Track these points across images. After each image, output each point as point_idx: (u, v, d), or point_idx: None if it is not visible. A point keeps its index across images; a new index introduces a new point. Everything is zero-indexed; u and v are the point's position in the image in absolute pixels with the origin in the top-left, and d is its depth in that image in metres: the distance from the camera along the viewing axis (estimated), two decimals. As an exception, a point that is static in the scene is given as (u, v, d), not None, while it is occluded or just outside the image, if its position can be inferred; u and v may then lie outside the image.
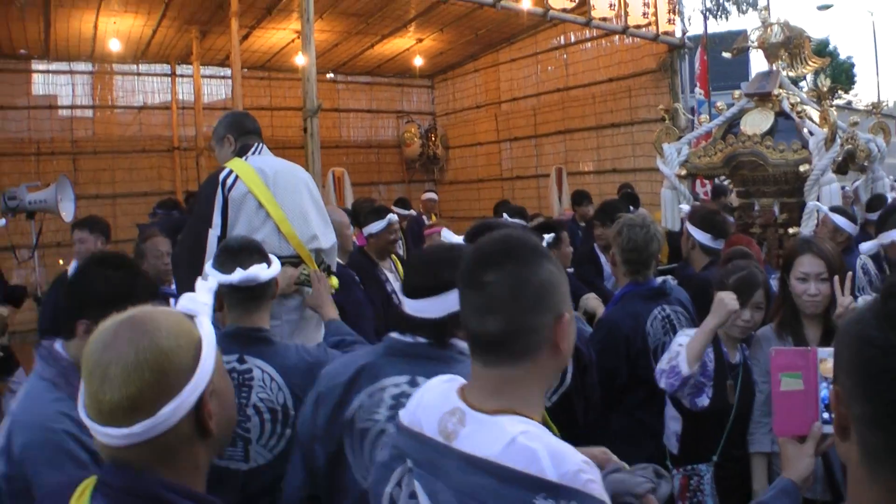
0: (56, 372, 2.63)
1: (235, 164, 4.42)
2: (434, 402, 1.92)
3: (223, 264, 3.32)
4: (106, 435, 1.57)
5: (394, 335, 2.66)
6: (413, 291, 2.64)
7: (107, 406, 1.56)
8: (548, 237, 5.15)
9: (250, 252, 3.39)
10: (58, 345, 2.72)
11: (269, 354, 3.23)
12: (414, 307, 2.61)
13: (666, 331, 4.34)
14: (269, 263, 3.40)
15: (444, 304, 2.53)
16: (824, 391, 2.28)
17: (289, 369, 3.19)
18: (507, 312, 1.80)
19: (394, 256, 6.70)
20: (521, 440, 1.73)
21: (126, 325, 1.64)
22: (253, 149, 4.59)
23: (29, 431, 2.49)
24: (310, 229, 4.43)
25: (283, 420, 3.14)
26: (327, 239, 4.56)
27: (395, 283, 6.37)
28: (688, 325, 4.37)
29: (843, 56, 43.33)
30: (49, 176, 11.62)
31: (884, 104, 7.98)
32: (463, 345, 2.52)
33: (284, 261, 4.01)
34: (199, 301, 1.84)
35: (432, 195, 13.68)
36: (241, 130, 4.73)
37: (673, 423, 4.09)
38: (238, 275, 3.25)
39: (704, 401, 3.85)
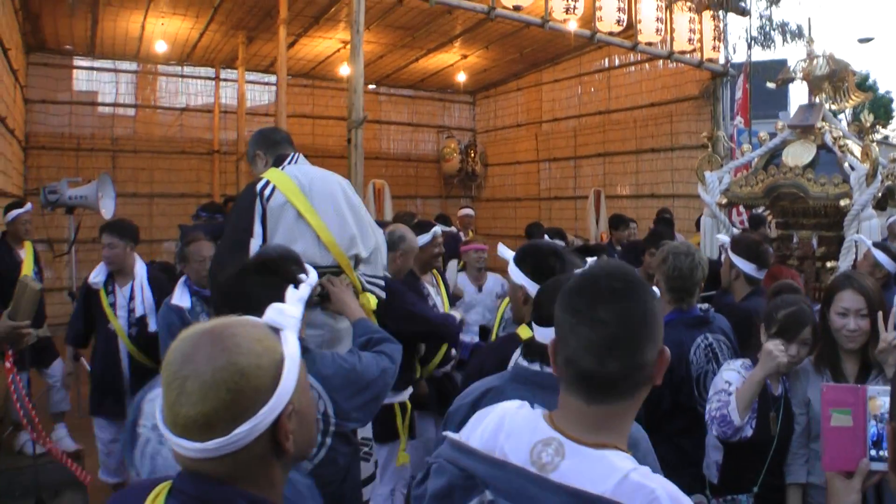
0: None
1: (272, 175, 4.41)
2: (521, 430, 1.82)
3: None
4: (179, 446, 1.56)
5: (522, 362, 2.78)
6: (544, 319, 2.67)
7: (182, 419, 1.54)
8: (591, 261, 5.17)
9: (287, 262, 3.36)
10: None
11: (307, 363, 3.21)
12: (543, 335, 2.67)
13: (709, 359, 4.35)
14: (307, 273, 3.32)
15: None
16: (872, 428, 2.32)
17: (327, 377, 3.20)
18: (628, 350, 1.74)
19: (434, 271, 6.68)
20: (635, 478, 1.67)
21: (206, 339, 1.60)
22: (289, 158, 4.59)
23: None
24: (348, 235, 4.40)
25: (324, 429, 3.16)
26: (367, 245, 4.51)
27: (436, 297, 6.36)
28: (730, 354, 4.39)
29: (881, 90, 42.86)
30: (87, 172, 11.82)
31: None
32: None
33: (325, 270, 4.07)
34: (287, 314, 1.76)
35: (469, 211, 13.70)
36: (269, 144, 4.77)
37: (714, 452, 4.10)
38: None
39: (748, 432, 3.85)
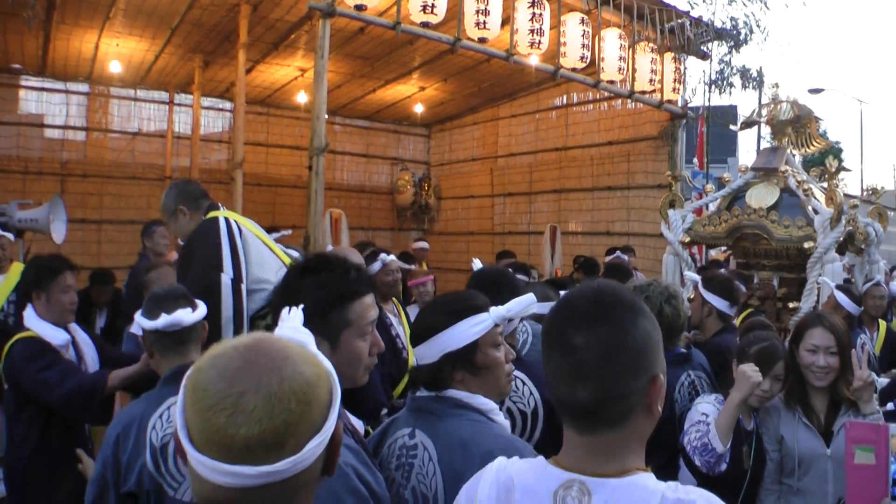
0: None
1: (222, 213, 4.65)
2: (535, 482, 1.72)
3: (150, 312, 3.42)
4: (234, 475, 1.35)
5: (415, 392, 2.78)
6: (415, 339, 2.72)
7: (241, 442, 1.35)
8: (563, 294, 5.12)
9: (175, 298, 3.51)
10: None
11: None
12: (417, 354, 2.71)
13: (691, 396, 4.38)
14: (194, 308, 3.52)
15: (436, 347, 2.62)
16: (894, 465, 2.29)
17: None
18: (598, 380, 1.64)
19: (395, 301, 6.62)
20: (672, 495, 1.60)
21: (255, 352, 1.45)
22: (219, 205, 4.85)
23: None
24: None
25: None
26: None
27: (398, 327, 6.33)
28: (710, 389, 4.45)
29: (832, 140, 43.90)
30: (35, 196, 11.49)
31: (881, 190, 8.00)
32: (459, 396, 2.62)
33: None
34: (301, 331, 1.70)
35: (424, 244, 13.63)
36: (191, 198, 4.91)
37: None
38: (163, 320, 3.37)
39: (722, 466, 3.88)
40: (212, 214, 4.69)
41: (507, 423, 2.72)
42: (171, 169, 14.11)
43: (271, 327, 4.06)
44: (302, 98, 13.84)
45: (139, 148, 14.17)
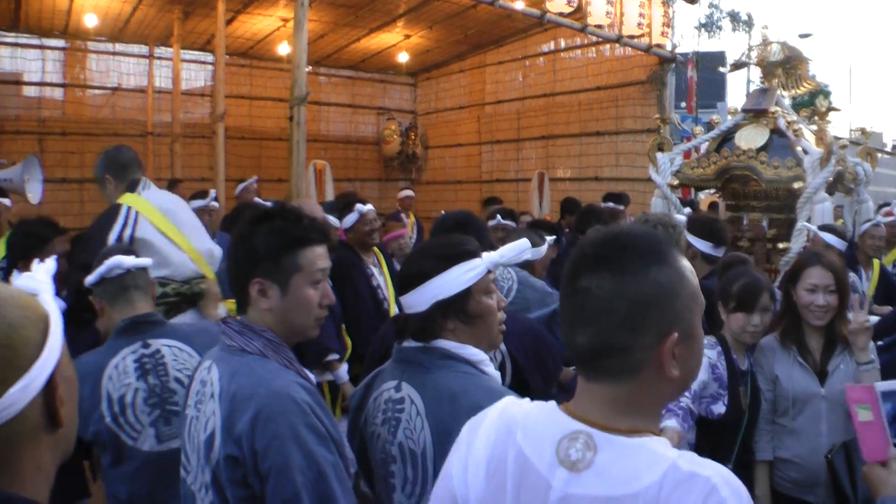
0: (262, 344, 2.41)
1: (132, 201, 4.72)
2: (542, 426, 1.64)
3: (93, 267, 3.55)
4: None
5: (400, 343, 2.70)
6: (402, 287, 2.64)
7: None
8: (550, 239, 5.07)
9: (116, 249, 3.69)
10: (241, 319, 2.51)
11: (170, 332, 3.50)
12: (405, 303, 2.62)
13: None
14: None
15: (427, 295, 2.54)
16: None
17: (193, 336, 3.52)
18: (593, 327, 1.55)
19: (377, 250, 6.54)
20: (685, 465, 1.48)
21: None
22: (141, 184, 4.88)
23: (264, 401, 2.23)
24: (206, 247, 4.94)
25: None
26: (214, 255, 5.00)
27: (379, 277, 6.29)
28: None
29: (821, 84, 43.97)
30: (13, 157, 11.19)
31: (870, 131, 7.96)
32: (448, 346, 2.55)
33: (194, 279, 4.73)
34: (38, 279, 1.54)
35: (410, 192, 13.54)
36: (118, 168, 4.99)
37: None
38: (102, 266, 3.47)
39: (721, 408, 3.88)
40: (123, 199, 4.72)
41: (497, 375, 2.65)
42: (152, 124, 13.81)
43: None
44: (285, 49, 13.60)
45: (119, 104, 13.81)
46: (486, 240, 3.61)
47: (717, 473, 1.48)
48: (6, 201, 7.59)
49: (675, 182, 7.51)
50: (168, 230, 4.72)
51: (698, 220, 5.58)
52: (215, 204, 7.80)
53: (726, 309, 4.05)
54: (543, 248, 5.32)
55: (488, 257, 2.64)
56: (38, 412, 1.37)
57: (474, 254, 2.61)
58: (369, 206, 6.37)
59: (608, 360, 1.56)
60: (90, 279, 3.50)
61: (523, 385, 3.63)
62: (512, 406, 1.76)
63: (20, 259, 4.76)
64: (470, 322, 2.57)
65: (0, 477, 1.34)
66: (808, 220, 6.63)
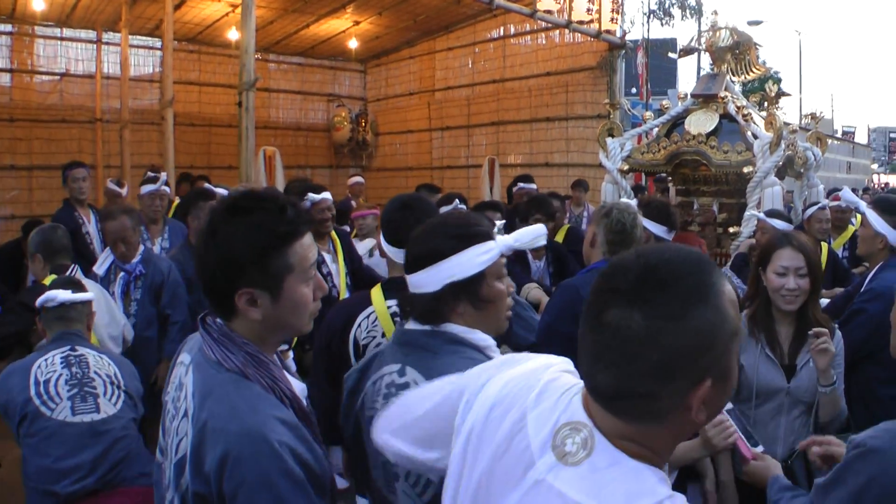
0: (241, 360, 2.09)
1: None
2: (556, 400, 1.53)
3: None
4: None
5: (403, 324, 2.61)
6: (411, 266, 2.52)
7: None
8: (500, 224, 5.05)
9: (62, 283, 4.65)
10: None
11: (94, 347, 4.56)
12: (413, 282, 2.50)
13: None
14: (77, 291, 4.46)
15: (440, 275, 2.41)
16: None
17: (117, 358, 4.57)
18: (617, 369, 1.39)
19: (333, 235, 6.44)
20: None
21: None
22: (70, 270, 5.28)
23: (235, 442, 1.95)
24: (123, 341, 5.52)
25: (117, 383, 4.20)
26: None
27: (331, 265, 6.24)
28: None
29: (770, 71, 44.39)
30: (-42, 143, 11.08)
31: (820, 115, 8.01)
32: (456, 330, 2.44)
33: None
34: None
35: (359, 179, 13.48)
36: (49, 252, 5.38)
37: None
38: (42, 297, 4.36)
39: None
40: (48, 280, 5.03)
41: None
42: (101, 111, 13.67)
43: None
44: (234, 35, 13.42)
45: (68, 90, 13.63)
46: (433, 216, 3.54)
47: None
48: None
49: (626, 167, 7.53)
50: None
51: (652, 203, 5.57)
52: (166, 189, 7.68)
53: None
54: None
55: (502, 241, 2.53)
56: None
57: (488, 235, 2.52)
58: (323, 195, 6.27)
59: (629, 402, 1.41)
60: (37, 302, 4.31)
61: None
62: (542, 368, 1.65)
63: None
64: (481, 306, 2.47)
65: None
66: (759, 205, 6.68)
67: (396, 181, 16.58)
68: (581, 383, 1.54)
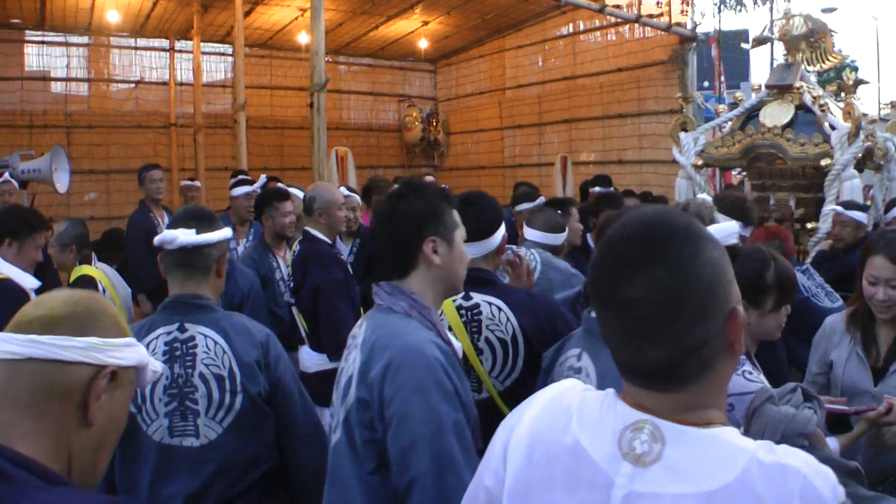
0: (408, 305, 2.56)
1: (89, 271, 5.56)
2: (601, 415, 1.46)
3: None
4: (8, 340, 1.54)
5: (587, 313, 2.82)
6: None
7: (29, 318, 1.58)
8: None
9: (187, 218, 3.25)
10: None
11: (211, 321, 3.12)
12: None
13: None
14: (204, 231, 3.18)
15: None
16: None
17: (233, 334, 3.12)
18: (670, 336, 1.36)
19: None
20: (767, 458, 1.33)
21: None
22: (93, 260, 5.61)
23: (397, 353, 2.38)
24: None
25: (231, 387, 3.02)
26: None
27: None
28: None
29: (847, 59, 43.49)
30: (41, 149, 11.31)
31: (899, 104, 7.80)
32: None
33: None
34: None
35: (432, 179, 13.47)
36: (82, 242, 5.73)
37: None
38: (158, 238, 3.15)
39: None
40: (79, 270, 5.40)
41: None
42: (175, 116, 14.03)
43: None
44: (303, 39, 13.58)
45: (142, 97, 14.05)
46: (499, 217, 3.53)
47: (805, 463, 1.34)
48: (15, 182, 8.04)
49: (700, 162, 7.39)
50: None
51: (727, 199, 5.43)
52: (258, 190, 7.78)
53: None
54: (565, 233, 5.26)
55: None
56: (78, 383, 1.57)
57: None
58: (349, 192, 6.53)
59: (686, 366, 1.38)
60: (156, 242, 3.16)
61: (537, 357, 3.57)
62: (566, 391, 1.60)
63: (7, 235, 4.98)
64: None
65: (23, 417, 1.52)
66: (837, 199, 6.48)
67: (469, 180, 16.55)
68: (607, 390, 1.52)
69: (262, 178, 8.01)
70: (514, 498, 1.54)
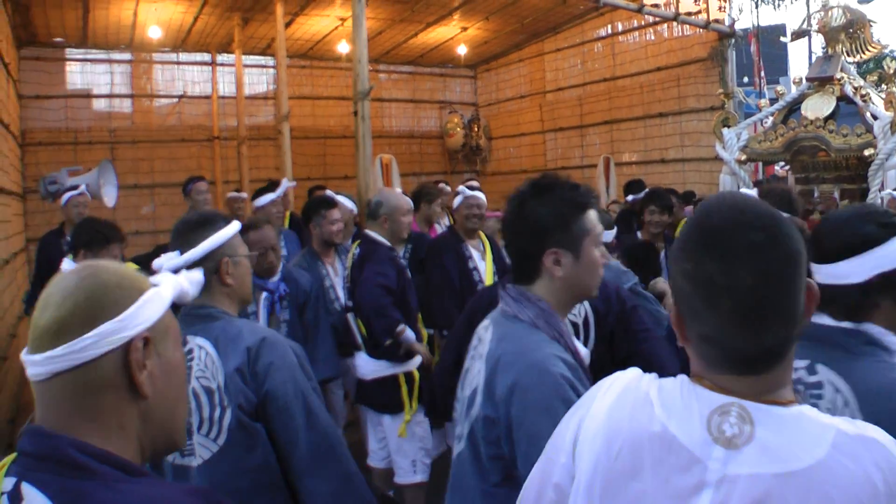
0: (534, 313, 2.51)
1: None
2: (684, 401, 1.48)
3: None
4: (32, 363, 1.50)
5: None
6: (826, 255, 2.32)
7: (39, 331, 1.52)
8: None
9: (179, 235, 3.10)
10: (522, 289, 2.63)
11: (207, 331, 2.92)
12: (830, 273, 2.29)
13: None
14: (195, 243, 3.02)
15: (868, 264, 2.25)
16: None
17: (224, 344, 2.89)
18: (785, 316, 1.41)
19: (482, 235, 6.94)
20: (850, 429, 1.38)
21: (78, 267, 1.64)
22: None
23: (523, 371, 2.36)
24: None
25: (220, 401, 2.81)
26: None
27: (479, 261, 6.67)
28: None
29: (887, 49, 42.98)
30: (87, 165, 11.50)
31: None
32: (873, 332, 2.21)
33: None
34: (167, 276, 1.76)
35: (474, 184, 13.53)
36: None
37: None
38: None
39: None
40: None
41: None
42: (218, 129, 14.20)
43: None
44: (344, 48, 13.72)
45: (185, 111, 14.22)
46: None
47: (880, 432, 1.39)
48: (88, 194, 8.06)
49: (743, 157, 7.40)
50: None
51: (773, 191, 5.45)
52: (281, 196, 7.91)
53: None
54: (614, 231, 5.36)
55: None
56: (114, 369, 1.54)
57: None
58: (475, 193, 6.96)
59: (791, 342, 1.45)
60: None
61: (609, 337, 3.66)
62: (636, 379, 1.61)
63: (81, 247, 5.12)
64: None
65: (85, 430, 1.50)
66: (881, 188, 6.48)
67: (512, 184, 16.35)
68: (680, 376, 1.54)
69: (284, 182, 8.11)
70: (593, 491, 1.53)
